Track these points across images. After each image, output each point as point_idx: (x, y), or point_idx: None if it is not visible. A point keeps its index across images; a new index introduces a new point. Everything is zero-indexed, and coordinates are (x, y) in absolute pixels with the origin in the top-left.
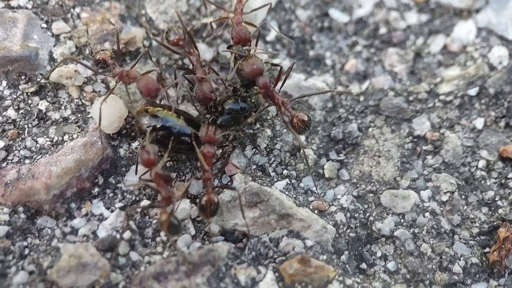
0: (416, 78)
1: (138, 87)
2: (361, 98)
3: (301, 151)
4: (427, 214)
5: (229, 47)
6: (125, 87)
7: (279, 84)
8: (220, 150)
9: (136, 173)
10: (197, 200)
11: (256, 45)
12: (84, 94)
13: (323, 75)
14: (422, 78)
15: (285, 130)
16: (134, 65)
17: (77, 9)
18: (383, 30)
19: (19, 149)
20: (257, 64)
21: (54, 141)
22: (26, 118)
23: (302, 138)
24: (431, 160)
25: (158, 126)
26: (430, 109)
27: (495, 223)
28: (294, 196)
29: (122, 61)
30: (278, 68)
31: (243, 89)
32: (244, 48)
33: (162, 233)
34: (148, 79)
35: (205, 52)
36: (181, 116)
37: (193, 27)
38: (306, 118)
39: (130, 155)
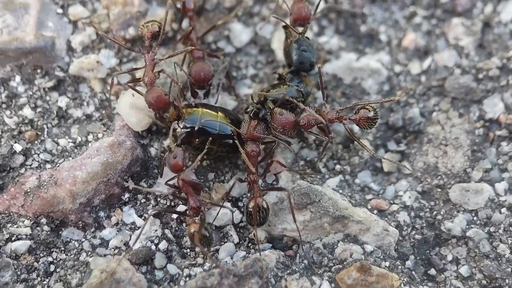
0: (485, 53)
1: (146, 98)
2: (423, 78)
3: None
4: (503, 210)
5: (285, 27)
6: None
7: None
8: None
9: (161, 176)
10: (242, 204)
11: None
12: (108, 88)
13: (377, 53)
14: (492, 52)
15: None
16: (171, 55)
17: None
18: None
19: (38, 152)
20: (284, 117)
21: (77, 142)
22: (45, 117)
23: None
24: (506, 147)
25: (196, 128)
26: (504, 87)
27: None
28: (349, 194)
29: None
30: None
31: (289, 76)
32: (301, 29)
33: None
34: (157, 91)
35: (241, 32)
36: (218, 112)
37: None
38: (371, 114)
39: (162, 154)
